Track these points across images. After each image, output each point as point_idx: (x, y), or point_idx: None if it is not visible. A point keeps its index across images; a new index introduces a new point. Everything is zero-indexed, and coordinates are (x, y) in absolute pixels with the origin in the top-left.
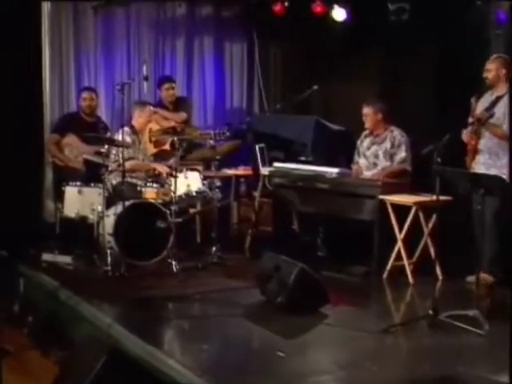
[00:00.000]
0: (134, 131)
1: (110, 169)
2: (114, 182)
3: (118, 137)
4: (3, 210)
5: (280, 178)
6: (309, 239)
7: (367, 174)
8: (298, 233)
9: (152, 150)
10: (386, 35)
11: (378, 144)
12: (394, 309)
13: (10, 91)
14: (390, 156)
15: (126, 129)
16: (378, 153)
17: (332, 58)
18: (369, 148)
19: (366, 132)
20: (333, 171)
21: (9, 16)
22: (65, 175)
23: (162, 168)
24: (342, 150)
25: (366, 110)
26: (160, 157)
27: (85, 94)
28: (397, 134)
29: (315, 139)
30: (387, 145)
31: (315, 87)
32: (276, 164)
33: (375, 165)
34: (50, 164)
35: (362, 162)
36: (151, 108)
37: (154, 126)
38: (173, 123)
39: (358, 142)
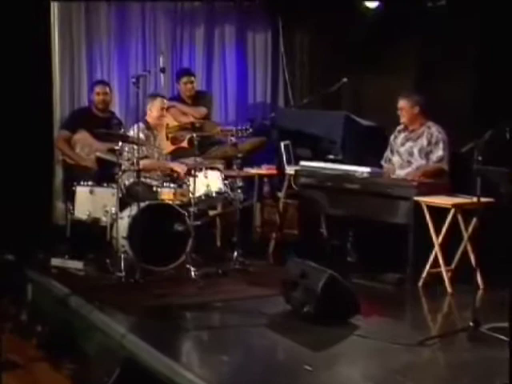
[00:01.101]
0: (149, 127)
1: (123, 168)
2: (128, 181)
3: (132, 133)
4: (10, 211)
5: (307, 177)
6: (338, 244)
7: (400, 172)
8: (326, 237)
9: (169, 147)
10: (421, 24)
11: (413, 140)
12: (430, 320)
13: (17, 86)
14: (426, 154)
15: (140, 125)
16: (413, 150)
17: (363, 49)
18: (403, 144)
19: (400, 127)
20: (364, 170)
21: (15, 4)
22: (76, 174)
23: (179, 167)
24: (373, 148)
25: (402, 103)
26: (178, 154)
27: (98, 88)
28: (434, 130)
29: (345, 136)
30: (423, 142)
31: (344, 80)
32: (302, 163)
33: (409, 163)
34: (59, 162)
35: (395, 159)
36: (164, 100)
37: (172, 122)
38: (191, 119)
39: (392, 138)
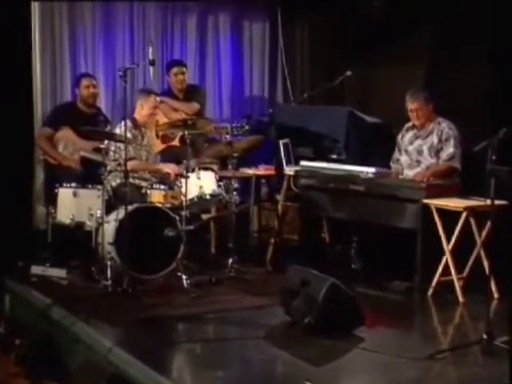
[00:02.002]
0: (136, 125)
1: (109, 168)
2: (114, 182)
3: (118, 132)
4: None
5: (308, 178)
6: (341, 250)
7: (409, 172)
8: (328, 242)
9: (159, 146)
10: (433, 11)
11: (422, 138)
12: (440, 332)
13: None
14: (437, 152)
15: (127, 122)
16: (422, 148)
17: (368, 40)
18: (411, 143)
19: (409, 125)
20: (369, 171)
21: None
22: (58, 175)
23: (168, 168)
24: (379, 147)
25: (415, 105)
26: (168, 154)
27: (86, 81)
28: (445, 126)
29: (348, 134)
30: (433, 139)
31: (348, 73)
32: (303, 163)
33: (418, 162)
34: (40, 162)
35: (403, 159)
36: (157, 98)
37: (162, 119)
38: (183, 115)
39: (399, 137)
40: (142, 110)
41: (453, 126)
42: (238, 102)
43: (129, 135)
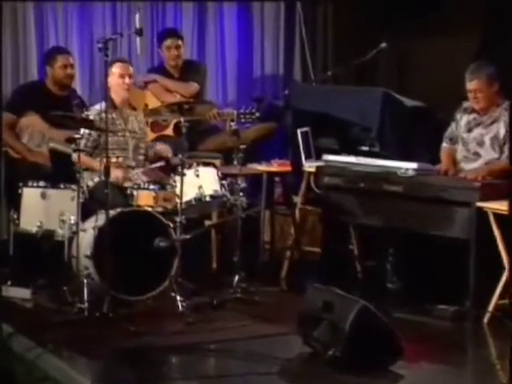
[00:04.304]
0: (114, 106)
1: None
2: (92, 181)
3: (92, 117)
4: None
5: (332, 176)
6: (374, 265)
7: (464, 167)
8: (357, 256)
9: (150, 135)
10: None
11: (484, 126)
12: (499, 369)
13: None
14: (502, 145)
15: (102, 105)
16: (484, 139)
17: (407, 5)
18: (470, 130)
19: (467, 104)
20: (409, 167)
21: None
22: (22, 172)
23: (165, 149)
24: (421, 136)
25: (474, 84)
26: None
27: (62, 59)
28: None
29: (383, 120)
30: (500, 129)
31: (383, 45)
32: (326, 157)
33: (477, 155)
34: (0, 156)
35: (458, 149)
36: (128, 66)
37: (152, 102)
38: (178, 97)
39: (457, 116)
40: (112, 86)
41: None
42: (245, 82)
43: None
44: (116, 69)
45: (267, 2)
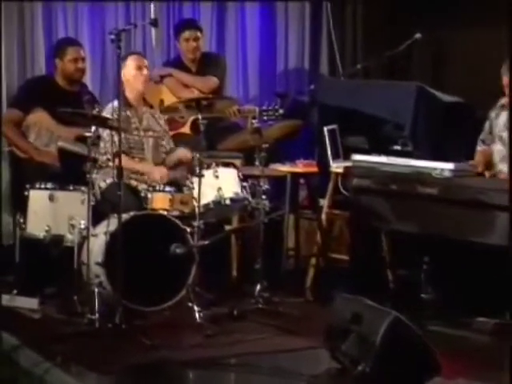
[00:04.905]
0: (128, 104)
1: (99, 163)
2: (104, 183)
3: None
4: None
5: (362, 178)
6: (407, 274)
7: (503, 168)
8: (389, 264)
9: None
10: None
11: None
12: None
13: None
14: None
15: (115, 103)
16: None
17: None
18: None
19: (504, 101)
20: (445, 167)
21: None
22: (29, 173)
23: (156, 173)
24: (458, 134)
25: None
26: (176, 145)
27: (73, 52)
28: None
29: (417, 117)
30: None
31: (417, 36)
32: (355, 156)
33: None
34: (5, 156)
35: (496, 148)
36: (143, 60)
37: (168, 97)
38: (196, 93)
39: (492, 114)
40: (126, 81)
41: None
42: (268, 77)
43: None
44: (131, 61)
45: None
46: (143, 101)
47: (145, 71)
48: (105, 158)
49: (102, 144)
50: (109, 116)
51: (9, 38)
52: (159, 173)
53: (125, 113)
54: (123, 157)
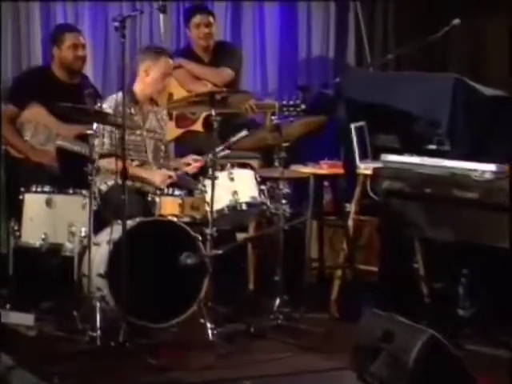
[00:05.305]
0: (135, 100)
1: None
2: (107, 185)
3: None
4: None
5: (393, 180)
6: (443, 287)
7: None
8: (423, 276)
9: (173, 131)
10: None
11: None
12: None
13: None
14: None
15: (119, 96)
16: None
17: None
18: None
19: None
20: (486, 169)
21: None
22: (24, 174)
23: (157, 178)
24: (502, 132)
25: None
26: (186, 143)
27: (72, 38)
28: None
29: (455, 113)
30: None
31: (456, 22)
32: (386, 157)
33: None
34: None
35: None
36: (171, 61)
37: (177, 91)
38: (209, 86)
39: None
40: (145, 78)
41: None
42: (288, 68)
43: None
44: (163, 65)
45: None
46: (149, 99)
47: (168, 80)
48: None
49: (105, 142)
50: (110, 111)
51: (5, 30)
52: (159, 177)
53: (128, 109)
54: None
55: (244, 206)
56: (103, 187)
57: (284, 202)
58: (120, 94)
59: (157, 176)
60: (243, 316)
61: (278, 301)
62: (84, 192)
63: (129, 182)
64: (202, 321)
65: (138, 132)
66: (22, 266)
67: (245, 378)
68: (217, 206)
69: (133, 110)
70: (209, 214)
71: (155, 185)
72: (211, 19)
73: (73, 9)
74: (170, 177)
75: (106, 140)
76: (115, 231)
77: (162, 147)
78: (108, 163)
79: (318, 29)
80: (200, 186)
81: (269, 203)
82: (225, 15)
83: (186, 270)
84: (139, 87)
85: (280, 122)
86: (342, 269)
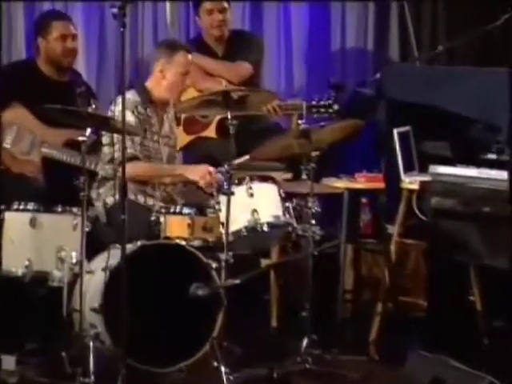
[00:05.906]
0: (150, 100)
1: (100, 176)
2: (111, 198)
3: (115, 112)
4: None
5: (444, 196)
6: (504, 325)
7: None
8: (480, 311)
9: (182, 138)
10: None
11: None
12: None
13: None
14: None
15: (131, 95)
16: None
17: None
18: None
19: None
20: None
21: None
22: (4, 189)
23: (197, 173)
24: None
25: None
26: (196, 152)
27: (60, 27)
28: None
29: None
30: None
31: None
32: (435, 168)
33: None
34: None
35: None
36: (189, 56)
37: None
38: (223, 83)
39: None
40: (162, 81)
41: None
42: (318, 62)
43: (131, 119)
44: (182, 61)
45: None
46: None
47: (188, 79)
48: (108, 168)
49: (105, 150)
50: (130, 115)
51: None
52: (198, 172)
53: (144, 111)
54: (141, 163)
55: (265, 227)
56: (109, 200)
57: (313, 222)
58: (131, 92)
59: (195, 171)
60: (264, 359)
61: (305, 341)
62: (75, 210)
63: (130, 196)
64: (216, 364)
65: (155, 138)
66: (2, 299)
67: None
68: (233, 227)
69: (149, 111)
70: (224, 237)
71: (194, 182)
72: (225, 4)
73: None
74: (210, 173)
75: (128, 143)
76: (112, 256)
77: (176, 155)
78: (134, 168)
79: (353, 17)
80: (213, 202)
81: (295, 224)
82: (242, 15)
83: (196, 303)
84: (156, 88)
85: (308, 126)
86: (383, 302)
